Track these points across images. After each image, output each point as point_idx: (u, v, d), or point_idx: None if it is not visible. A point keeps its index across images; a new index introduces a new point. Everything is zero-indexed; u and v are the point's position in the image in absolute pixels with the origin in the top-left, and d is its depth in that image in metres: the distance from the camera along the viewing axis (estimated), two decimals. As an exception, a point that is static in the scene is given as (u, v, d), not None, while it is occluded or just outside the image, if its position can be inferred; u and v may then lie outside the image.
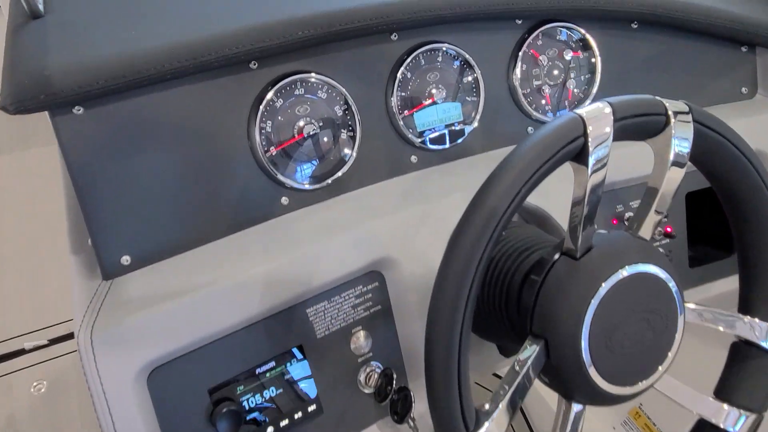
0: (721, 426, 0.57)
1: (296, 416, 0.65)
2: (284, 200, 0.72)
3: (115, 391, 0.55)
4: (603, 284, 0.49)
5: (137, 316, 0.57)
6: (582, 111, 0.47)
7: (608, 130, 0.47)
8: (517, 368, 0.50)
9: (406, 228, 0.69)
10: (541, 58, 0.85)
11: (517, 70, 0.83)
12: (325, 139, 0.73)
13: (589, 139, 0.47)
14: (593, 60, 0.87)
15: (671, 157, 0.51)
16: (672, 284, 0.52)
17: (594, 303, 0.49)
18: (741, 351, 0.59)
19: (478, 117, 0.82)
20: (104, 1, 0.70)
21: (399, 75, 0.76)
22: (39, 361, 1.48)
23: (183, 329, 0.58)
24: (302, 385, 0.65)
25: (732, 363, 0.59)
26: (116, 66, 0.58)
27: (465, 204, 0.47)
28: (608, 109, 0.48)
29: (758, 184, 0.56)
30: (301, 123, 0.71)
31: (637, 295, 0.51)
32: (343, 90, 0.73)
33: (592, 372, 0.50)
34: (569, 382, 0.52)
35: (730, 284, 0.88)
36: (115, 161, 0.62)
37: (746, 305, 0.60)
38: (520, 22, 0.83)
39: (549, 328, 0.51)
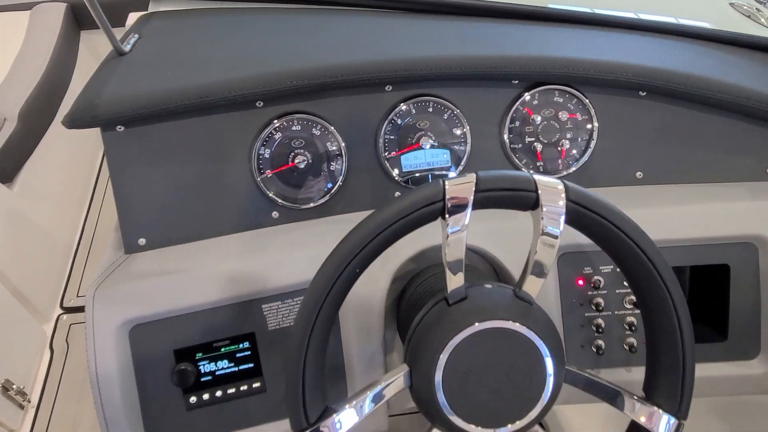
0: None
1: (242, 388, 0.80)
2: (275, 214, 0.88)
3: (102, 338, 0.74)
4: (459, 333, 0.57)
5: (130, 283, 0.76)
6: (448, 180, 0.56)
7: (468, 198, 0.55)
8: (382, 382, 0.60)
9: None
10: (534, 116, 0.90)
11: (507, 126, 0.89)
12: (316, 168, 0.88)
13: (448, 205, 0.55)
14: (590, 125, 0.90)
15: (541, 230, 0.56)
16: (541, 344, 0.57)
17: (449, 348, 0.57)
18: None
19: (463, 164, 0.90)
20: (170, 47, 0.92)
21: (389, 119, 0.88)
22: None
23: (162, 300, 0.76)
24: (250, 364, 0.80)
25: None
26: (143, 100, 0.78)
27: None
28: (471, 180, 0.55)
29: (649, 270, 0.58)
30: (295, 153, 0.86)
31: (494, 349, 0.57)
32: (332, 128, 0.86)
33: (447, 410, 0.57)
34: (427, 413, 0.60)
35: (718, 370, 0.85)
36: (142, 168, 0.83)
37: (649, 389, 0.62)
38: (516, 82, 0.89)
39: (413, 362, 0.60)
